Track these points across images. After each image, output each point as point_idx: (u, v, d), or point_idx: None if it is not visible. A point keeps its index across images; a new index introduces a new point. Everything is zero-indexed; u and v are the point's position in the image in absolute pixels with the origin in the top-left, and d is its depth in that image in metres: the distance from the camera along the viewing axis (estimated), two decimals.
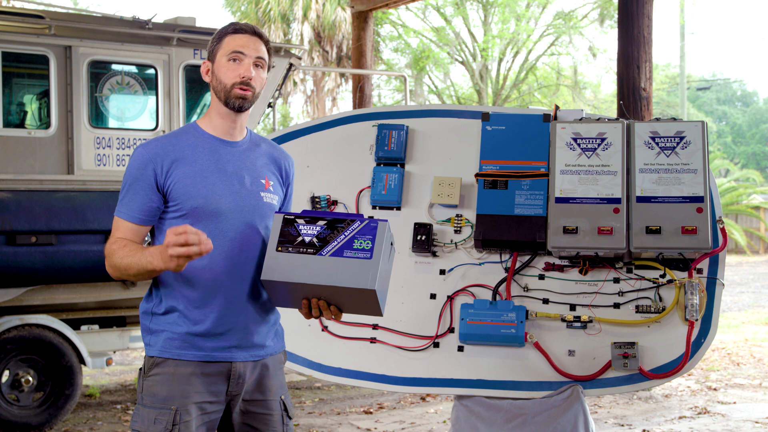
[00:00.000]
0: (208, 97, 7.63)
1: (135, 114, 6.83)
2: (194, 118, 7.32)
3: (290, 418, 2.67)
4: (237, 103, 2.54)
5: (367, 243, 2.44)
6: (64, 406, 6.34)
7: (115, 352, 7.02)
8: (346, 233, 2.46)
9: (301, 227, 2.48)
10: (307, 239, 2.46)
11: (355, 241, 2.45)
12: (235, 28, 2.57)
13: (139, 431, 2.44)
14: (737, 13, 68.09)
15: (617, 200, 3.26)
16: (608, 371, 3.36)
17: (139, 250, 2.38)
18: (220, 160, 2.55)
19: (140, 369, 2.54)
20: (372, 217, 2.50)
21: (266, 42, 2.61)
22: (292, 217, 2.49)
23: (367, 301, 2.45)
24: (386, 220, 2.50)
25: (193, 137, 2.56)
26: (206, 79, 2.60)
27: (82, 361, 6.39)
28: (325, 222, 2.48)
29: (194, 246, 2.23)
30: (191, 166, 2.50)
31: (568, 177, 3.33)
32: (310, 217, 2.49)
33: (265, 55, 2.59)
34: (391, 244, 2.54)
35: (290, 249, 2.46)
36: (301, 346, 3.63)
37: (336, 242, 2.45)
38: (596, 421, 6.13)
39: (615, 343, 3.34)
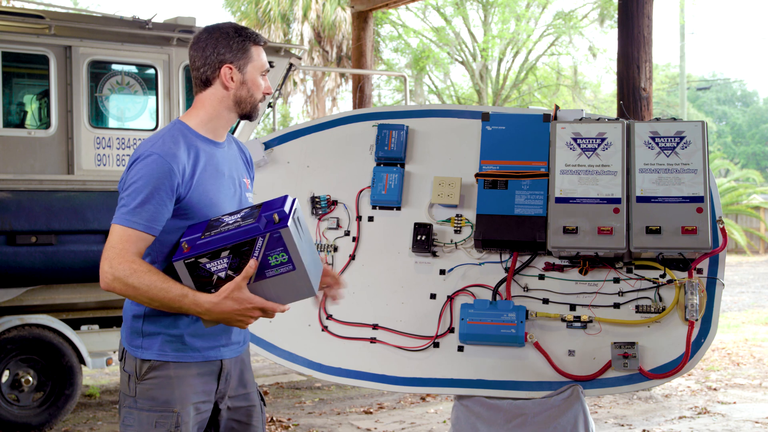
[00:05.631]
0: None
1: (135, 114, 6.83)
2: None
3: (264, 405, 2.73)
4: (256, 114, 2.58)
5: (282, 255, 2.29)
6: (64, 406, 6.34)
7: (115, 352, 7.01)
8: (255, 254, 2.28)
9: (208, 266, 2.31)
10: (222, 275, 2.29)
11: (269, 258, 2.29)
12: (258, 40, 2.56)
13: None
14: (737, 13, 68.10)
15: (617, 200, 3.25)
16: (608, 371, 3.36)
17: (174, 288, 2.30)
18: (217, 164, 2.53)
19: (126, 372, 2.48)
20: (268, 220, 2.28)
21: None
22: (192, 258, 2.29)
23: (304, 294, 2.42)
24: (286, 220, 2.28)
25: (190, 139, 2.50)
26: (229, 84, 2.52)
27: (82, 361, 6.39)
28: (228, 252, 2.28)
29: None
30: (201, 174, 2.46)
31: (568, 177, 3.33)
32: (211, 253, 2.28)
33: None
34: (298, 218, 2.36)
35: (213, 291, 2.31)
36: (301, 346, 3.63)
37: (256, 269, 2.30)
38: (596, 421, 6.13)
39: (615, 343, 3.33)
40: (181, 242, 2.35)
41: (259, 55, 2.56)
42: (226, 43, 2.51)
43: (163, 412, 2.42)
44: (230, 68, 2.52)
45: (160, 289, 2.28)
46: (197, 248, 2.31)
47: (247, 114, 2.57)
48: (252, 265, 2.29)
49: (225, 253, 2.29)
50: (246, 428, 2.64)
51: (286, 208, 2.33)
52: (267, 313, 2.34)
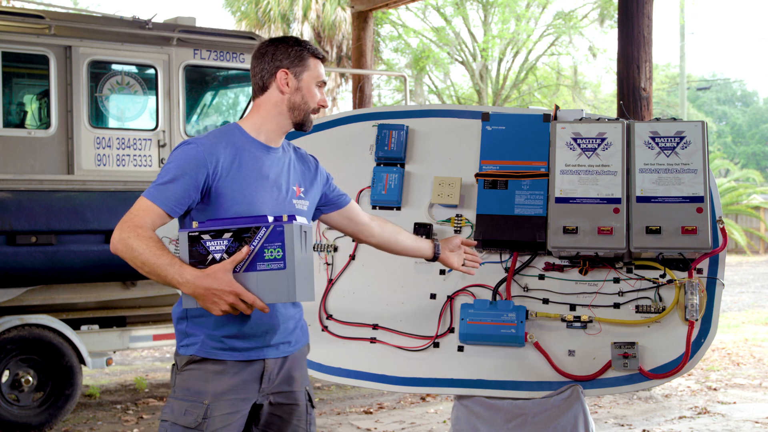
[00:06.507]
0: (208, 97, 7.66)
1: (135, 114, 6.83)
2: (194, 118, 7.33)
3: (313, 407, 2.76)
4: (309, 125, 2.68)
5: (278, 251, 2.37)
6: (64, 406, 6.34)
7: (115, 352, 7.02)
8: (254, 243, 2.37)
9: (208, 244, 2.39)
10: (217, 256, 2.37)
11: (266, 250, 2.37)
12: (317, 53, 2.69)
13: (168, 421, 2.51)
14: (737, 13, 68.11)
15: (617, 200, 3.26)
16: (608, 371, 3.36)
17: (166, 256, 2.35)
18: (262, 166, 2.59)
19: (173, 365, 2.60)
20: (278, 218, 2.40)
21: None
22: (197, 233, 2.39)
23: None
24: (293, 218, 2.40)
25: (240, 141, 2.58)
26: (285, 89, 2.63)
27: (82, 361, 6.39)
28: (231, 234, 2.38)
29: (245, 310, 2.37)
30: (238, 171, 2.53)
31: (568, 177, 3.33)
32: (215, 231, 2.39)
33: None
34: (305, 233, 2.45)
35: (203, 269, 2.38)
36: None
37: (247, 255, 2.37)
38: (596, 421, 6.13)
39: (615, 343, 3.34)
40: (193, 221, 2.47)
41: (316, 66, 2.68)
42: (285, 51, 2.64)
43: (194, 402, 2.49)
44: (286, 73, 2.63)
45: (152, 254, 2.34)
46: (204, 225, 2.42)
47: (301, 122, 2.67)
48: (244, 251, 2.36)
49: (227, 235, 2.38)
50: (286, 425, 2.68)
51: (296, 217, 2.44)
52: (244, 304, 2.36)
